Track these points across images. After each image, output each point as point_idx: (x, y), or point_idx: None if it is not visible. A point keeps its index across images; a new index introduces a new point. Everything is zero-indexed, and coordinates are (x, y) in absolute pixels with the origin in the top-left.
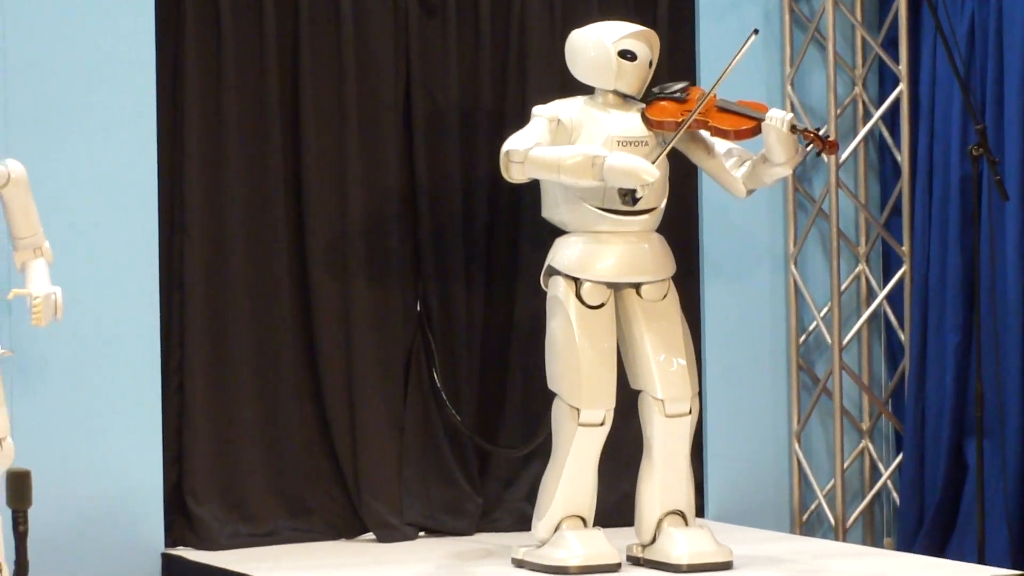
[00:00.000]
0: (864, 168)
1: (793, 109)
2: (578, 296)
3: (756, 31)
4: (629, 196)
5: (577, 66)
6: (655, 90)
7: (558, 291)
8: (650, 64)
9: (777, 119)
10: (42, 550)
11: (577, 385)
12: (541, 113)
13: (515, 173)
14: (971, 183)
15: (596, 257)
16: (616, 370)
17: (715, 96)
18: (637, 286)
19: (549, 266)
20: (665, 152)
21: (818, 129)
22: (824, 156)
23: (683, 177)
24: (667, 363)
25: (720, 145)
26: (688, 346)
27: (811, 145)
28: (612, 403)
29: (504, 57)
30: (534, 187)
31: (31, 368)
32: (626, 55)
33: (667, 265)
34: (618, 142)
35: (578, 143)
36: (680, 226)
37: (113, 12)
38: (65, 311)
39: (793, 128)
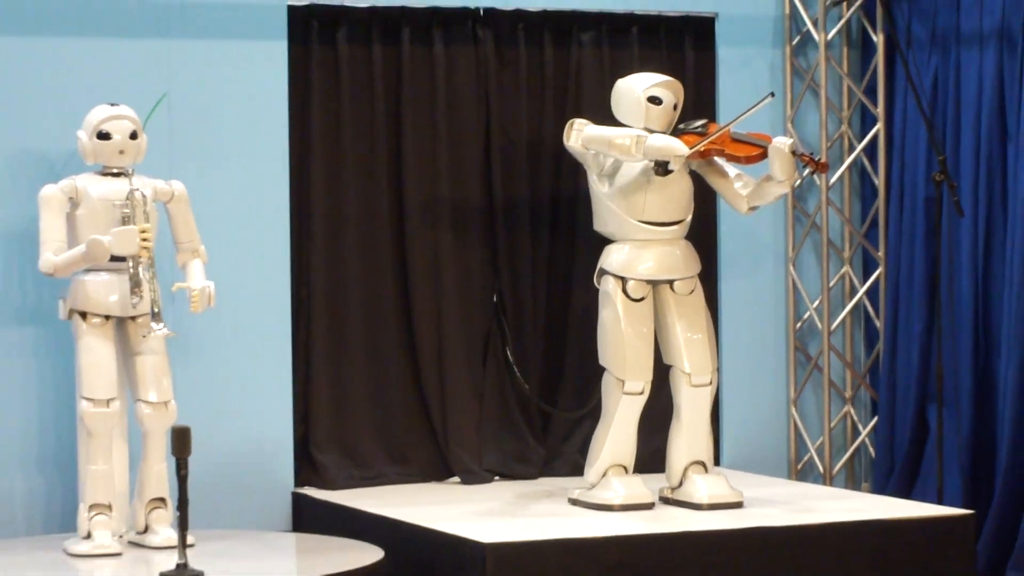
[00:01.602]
0: (848, 190)
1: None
2: (624, 291)
3: (772, 95)
4: (662, 168)
5: (618, 108)
6: (680, 126)
7: (608, 287)
8: (675, 107)
9: (780, 142)
10: (198, 490)
11: (622, 362)
12: None
13: (573, 139)
14: (934, 203)
15: (638, 260)
16: (653, 351)
17: (730, 130)
18: (671, 282)
19: (600, 268)
20: (690, 153)
21: (812, 153)
22: (817, 176)
23: (706, 199)
24: (693, 344)
25: (731, 171)
26: (710, 331)
27: (807, 166)
28: (650, 376)
29: (563, 100)
30: (587, 205)
31: (189, 346)
32: (654, 100)
33: (694, 265)
34: (654, 169)
35: (621, 170)
36: (702, 235)
37: (254, 64)
38: (216, 300)
39: (792, 151)
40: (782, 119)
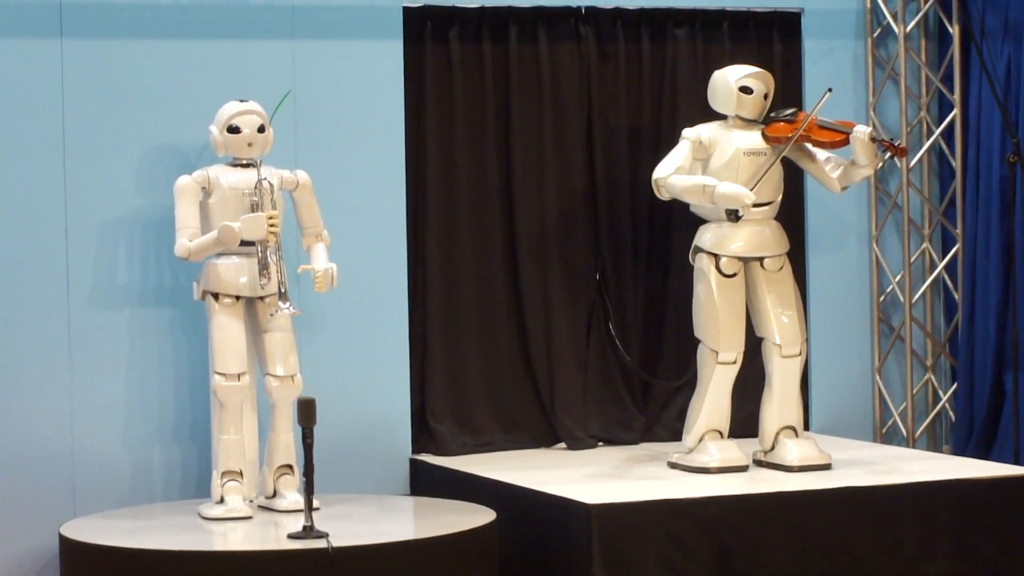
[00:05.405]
0: (928, 171)
1: (875, 127)
2: (717, 268)
3: (830, 90)
4: (733, 214)
5: (714, 98)
6: (771, 114)
7: (702, 264)
8: (765, 96)
9: (860, 131)
10: (323, 457)
11: (716, 334)
12: (687, 136)
13: (665, 194)
14: (1008, 182)
15: (731, 238)
16: (745, 323)
17: (816, 118)
18: (761, 260)
19: (695, 246)
20: (776, 161)
21: (892, 139)
22: (897, 159)
23: (794, 181)
24: (783, 317)
25: (821, 154)
26: (798, 305)
27: (887, 151)
28: (742, 347)
29: (660, 92)
30: None
31: (314, 323)
32: (745, 90)
33: (783, 243)
34: (744, 153)
35: (714, 156)
36: (791, 215)
37: (372, 61)
38: (338, 281)
39: (872, 139)
40: (865, 106)
